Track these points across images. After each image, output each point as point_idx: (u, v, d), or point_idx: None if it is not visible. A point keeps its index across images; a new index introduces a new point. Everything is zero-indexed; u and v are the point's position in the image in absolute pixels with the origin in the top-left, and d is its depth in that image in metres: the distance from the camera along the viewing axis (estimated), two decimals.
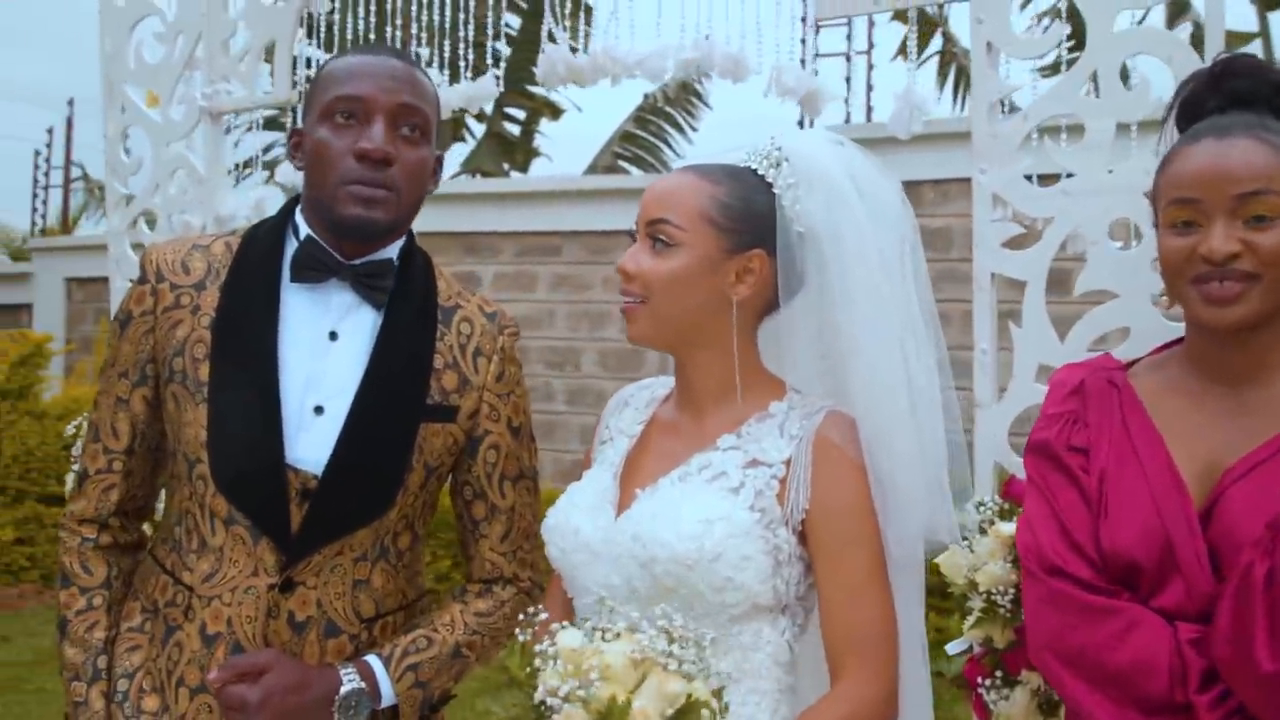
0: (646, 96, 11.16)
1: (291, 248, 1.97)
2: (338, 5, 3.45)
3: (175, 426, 1.94)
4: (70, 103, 13.57)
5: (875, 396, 1.82)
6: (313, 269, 1.93)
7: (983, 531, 2.35)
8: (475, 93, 3.12)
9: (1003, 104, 2.53)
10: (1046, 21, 2.67)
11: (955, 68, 9.87)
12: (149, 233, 3.73)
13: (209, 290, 1.95)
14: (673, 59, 2.70)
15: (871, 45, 8.91)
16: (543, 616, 1.60)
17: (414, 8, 3.37)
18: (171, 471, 1.99)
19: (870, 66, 8.90)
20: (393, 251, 2.00)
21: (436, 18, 3.32)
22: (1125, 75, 2.40)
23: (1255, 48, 9.75)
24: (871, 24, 8.77)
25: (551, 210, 8.06)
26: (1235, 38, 9.06)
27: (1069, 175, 2.44)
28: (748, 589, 1.72)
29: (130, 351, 1.97)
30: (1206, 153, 1.73)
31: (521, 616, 1.62)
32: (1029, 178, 2.49)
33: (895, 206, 1.89)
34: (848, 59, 9.06)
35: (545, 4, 2.92)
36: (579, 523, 1.85)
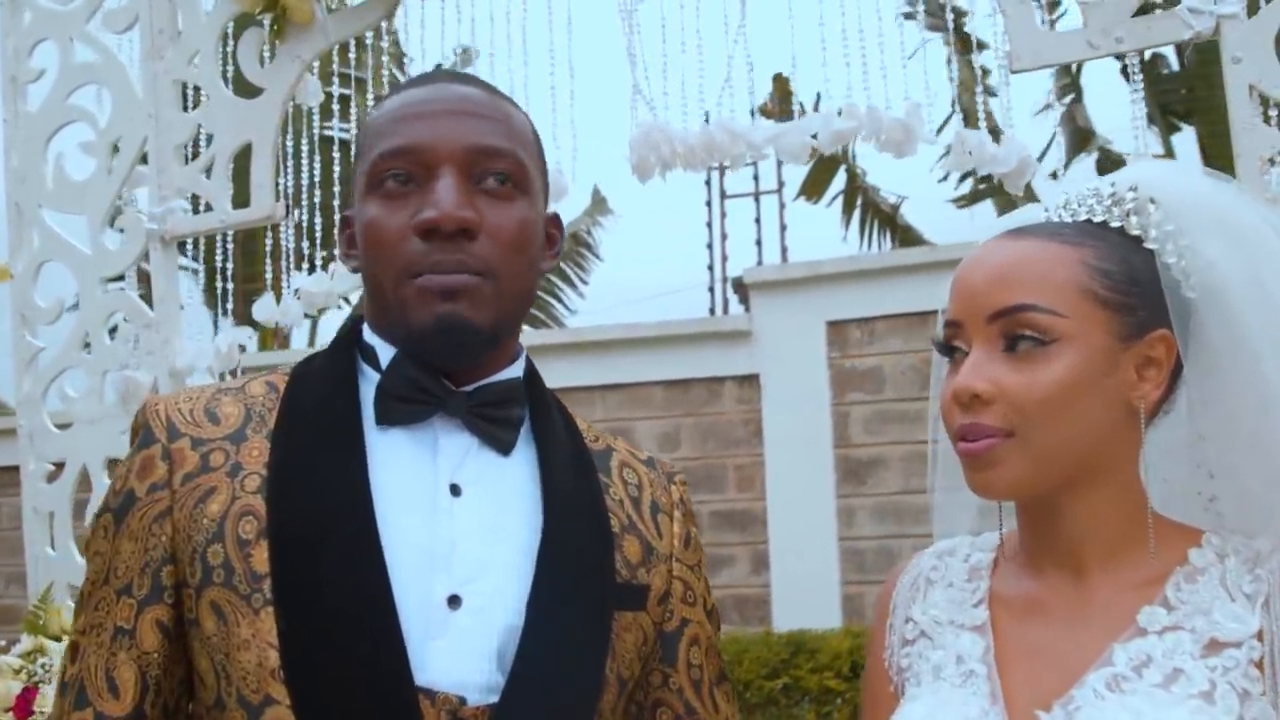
0: None
1: (368, 379, 1.33)
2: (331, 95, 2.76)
3: (221, 655, 1.21)
4: None
5: None
6: (412, 400, 1.29)
7: None
8: None
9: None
10: None
11: (861, 203, 9.62)
12: (72, 394, 2.90)
13: (252, 441, 1.28)
14: (823, 130, 2.06)
15: (781, 184, 8.63)
16: None
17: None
18: None
19: (781, 205, 8.60)
20: (516, 369, 1.36)
21: None
22: None
23: None
24: (780, 162, 8.50)
25: None
26: None
27: None
28: None
29: (133, 551, 1.25)
30: None
31: None
32: None
33: None
34: (756, 199, 8.75)
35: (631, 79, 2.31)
36: None
